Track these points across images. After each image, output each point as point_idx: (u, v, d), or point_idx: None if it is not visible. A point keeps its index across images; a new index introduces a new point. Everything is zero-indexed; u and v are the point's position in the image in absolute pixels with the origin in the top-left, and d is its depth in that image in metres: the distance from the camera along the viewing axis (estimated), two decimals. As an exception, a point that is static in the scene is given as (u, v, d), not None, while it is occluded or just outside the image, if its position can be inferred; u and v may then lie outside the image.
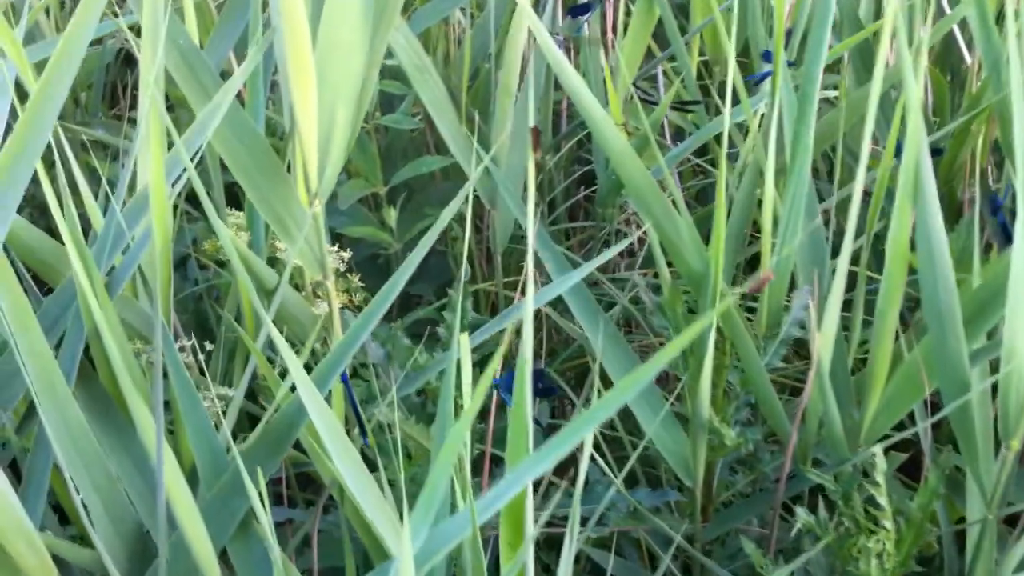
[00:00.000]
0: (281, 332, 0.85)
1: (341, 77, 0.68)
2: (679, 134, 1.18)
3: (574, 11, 1.01)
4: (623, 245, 0.76)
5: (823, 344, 0.73)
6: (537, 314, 1.08)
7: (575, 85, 0.70)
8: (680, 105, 1.02)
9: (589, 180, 1.28)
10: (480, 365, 0.82)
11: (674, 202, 0.75)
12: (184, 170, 0.63)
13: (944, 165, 1.10)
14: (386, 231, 1.05)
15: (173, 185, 0.65)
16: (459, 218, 1.11)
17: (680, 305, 0.76)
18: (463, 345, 0.57)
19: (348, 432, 0.72)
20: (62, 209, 0.56)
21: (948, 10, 1.07)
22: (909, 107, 0.64)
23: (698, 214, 1.14)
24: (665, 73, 1.23)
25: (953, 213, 1.18)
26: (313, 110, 0.66)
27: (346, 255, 0.81)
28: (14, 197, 0.57)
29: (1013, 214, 0.72)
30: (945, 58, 1.21)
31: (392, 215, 1.04)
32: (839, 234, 1.02)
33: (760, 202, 0.91)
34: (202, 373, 0.84)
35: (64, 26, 1.16)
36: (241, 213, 0.82)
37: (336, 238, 1.07)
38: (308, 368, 0.61)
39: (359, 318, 0.64)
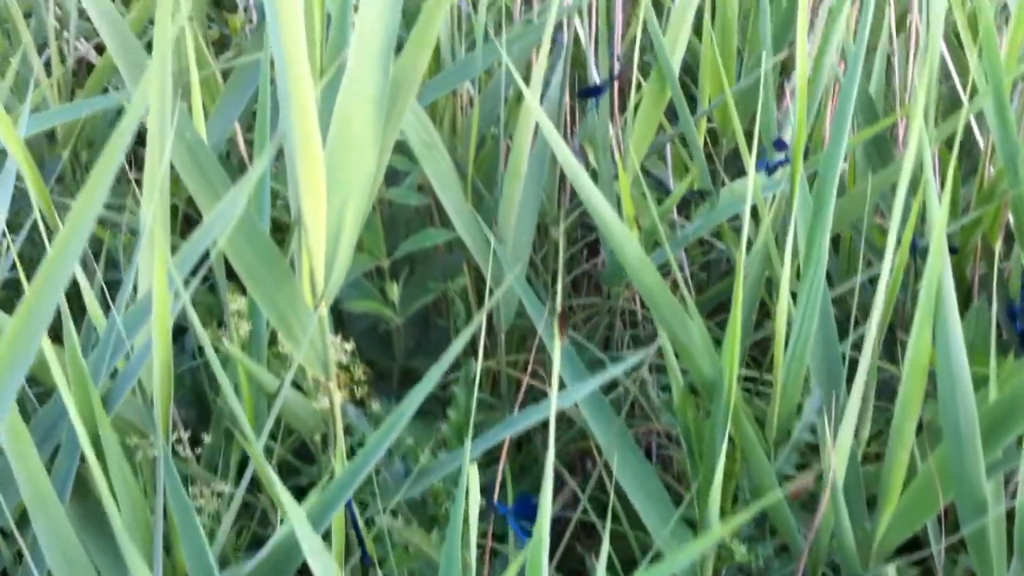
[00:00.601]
0: (281, 423, 0.84)
1: (353, 175, 0.67)
2: (685, 205, 1.17)
3: (584, 93, 0.99)
4: (640, 356, 0.74)
5: (838, 459, 0.72)
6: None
7: (588, 191, 0.69)
8: (691, 194, 1.00)
9: (594, 246, 1.27)
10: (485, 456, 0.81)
11: (686, 305, 0.74)
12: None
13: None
14: (388, 306, 1.03)
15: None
16: (463, 291, 1.09)
17: (691, 411, 0.75)
18: (471, 479, 0.55)
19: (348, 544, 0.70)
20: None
21: (961, 91, 1.06)
22: (933, 252, 0.63)
23: (706, 295, 1.13)
24: (672, 142, 1.22)
25: (963, 292, 1.16)
26: (322, 212, 0.64)
27: (349, 346, 0.79)
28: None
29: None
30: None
31: (395, 290, 1.02)
32: (847, 316, 1.01)
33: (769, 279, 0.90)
34: (199, 460, 0.83)
35: (70, 93, 1.16)
36: (243, 298, 0.80)
37: (337, 310, 1.05)
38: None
39: (360, 455, 0.62)
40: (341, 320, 1.11)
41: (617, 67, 1.09)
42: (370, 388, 0.84)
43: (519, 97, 1.13)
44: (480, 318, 0.66)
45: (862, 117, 1.05)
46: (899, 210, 0.68)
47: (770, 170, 0.88)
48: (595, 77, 1.04)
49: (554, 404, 0.48)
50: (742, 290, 0.72)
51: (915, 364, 0.69)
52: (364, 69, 0.66)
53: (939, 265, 0.64)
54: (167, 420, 0.58)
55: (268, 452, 0.86)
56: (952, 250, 1.02)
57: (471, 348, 1.12)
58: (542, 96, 1.04)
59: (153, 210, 0.57)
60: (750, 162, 0.74)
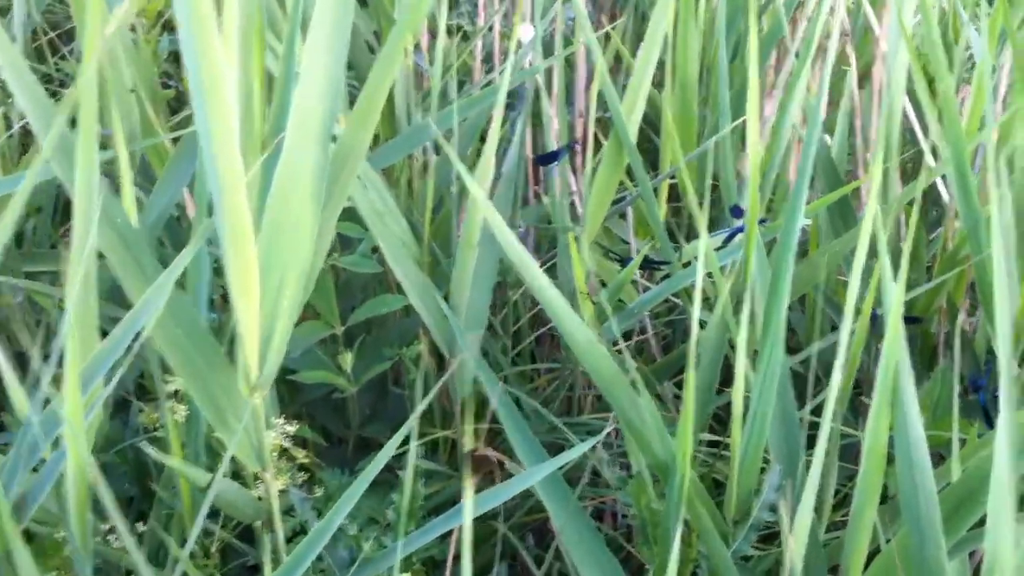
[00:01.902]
0: (220, 511, 0.80)
1: (290, 257, 0.64)
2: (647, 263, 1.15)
3: (541, 160, 0.98)
4: (593, 441, 0.72)
5: (796, 544, 0.69)
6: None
7: (541, 286, 0.67)
8: (648, 264, 0.98)
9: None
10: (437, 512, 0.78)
11: (637, 387, 0.72)
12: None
13: (920, 307, 1.08)
14: (342, 375, 1.01)
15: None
16: (419, 357, 1.06)
17: (645, 498, 0.72)
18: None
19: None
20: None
21: (926, 150, 1.04)
22: (890, 340, 0.61)
23: (671, 356, 1.11)
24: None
25: (928, 352, 1.15)
26: (254, 300, 0.62)
27: (291, 428, 0.76)
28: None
29: (996, 396, 0.68)
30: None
31: (348, 360, 0.99)
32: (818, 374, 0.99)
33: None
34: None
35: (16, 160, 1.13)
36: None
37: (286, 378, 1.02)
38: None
39: (302, 544, 0.59)
40: (295, 386, 1.08)
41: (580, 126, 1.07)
42: (320, 459, 0.81)
43: (479, 153, 1.11)
44: (429, 396, 0.63)
45: (824, 179, 1.03)
46: (857, 279, 0.66)
47: (728, 237, 0.86)
48: (554, 140, 1.02)
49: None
50: (701, 363, 0.70)
51: (873, 452, 0.67)
52: (302, 145, 0.64)
53: (895, 357, 0.62)
54: (84, 529, 0.55)
55: (210, 534, 0.83)
56: (914, 320, 1.00)
57: (429, 417, 1.10)
58: (503, 158, 1.02)
59: (73, 305, 0.54)
60: (703, 233, 0.72)
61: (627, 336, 1.26)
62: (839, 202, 1.04)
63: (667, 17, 0.89)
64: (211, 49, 0.55)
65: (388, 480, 1.09)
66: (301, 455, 0.77)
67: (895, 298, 0.62)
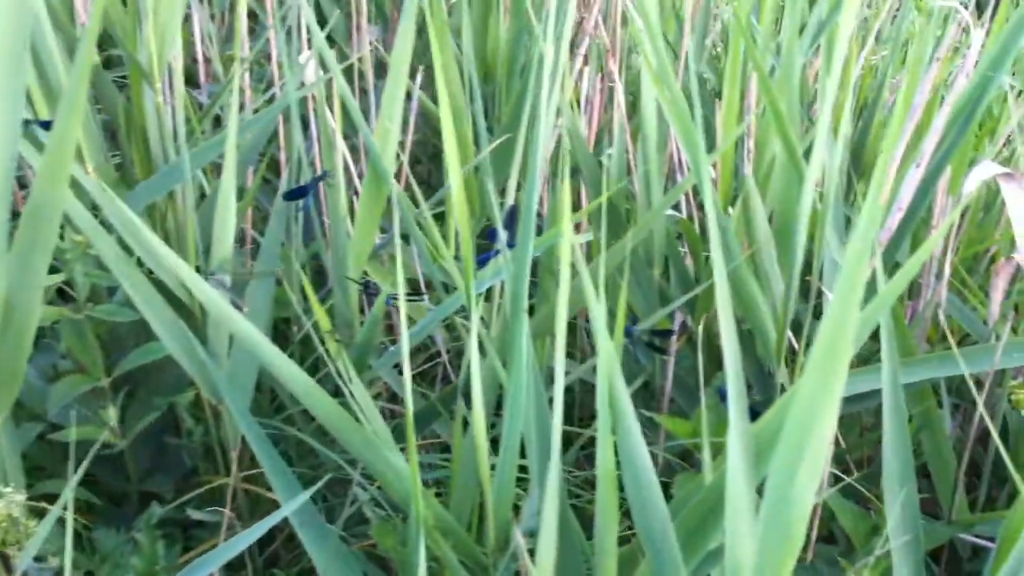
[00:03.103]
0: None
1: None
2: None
3: (289, 195, 0.95)
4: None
5: (539, 568, 0.68)
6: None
7: (253, 341, 0.64)
8: (409, 296, 0.97)
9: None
10: None
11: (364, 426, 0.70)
12: None
13: (697, 316, 1.09)
14: (108, 429, 0.96)
15: None
16: (193, 404, 1.03)
17: (391, 539, 0.70)
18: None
19: None
20: None
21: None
22: (603, 363, 0.60)
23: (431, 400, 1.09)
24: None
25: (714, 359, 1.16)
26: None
27: (20, 498, 0.72)
28: None
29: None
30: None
31: (111, 413, 0.94)
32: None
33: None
34: None
35: None
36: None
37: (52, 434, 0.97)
38: None
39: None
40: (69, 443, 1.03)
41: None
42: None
43: (242, 194, 1.08)
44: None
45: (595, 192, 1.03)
46: (597, 302, 0.66)
47: (482, 261, 0.85)
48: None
49: None
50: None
51: (605, 478, 0.66)
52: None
53: (607, 380, 0.61)
54: None
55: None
56: (668, 333, 1.01)
57: (212, 466, 1.06)
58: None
59: None
60: (468, 258, 0.71)
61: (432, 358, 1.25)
62: (612, 215, 1.04)
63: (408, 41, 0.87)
64: None
65: (173, 535, 1.05)
66: (32, 525, 0.73)
67: (599, 319, 0.61)
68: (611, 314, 1.07)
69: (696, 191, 1.13)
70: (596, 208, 1.03)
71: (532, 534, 0.77)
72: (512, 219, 0.95)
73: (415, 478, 0.64)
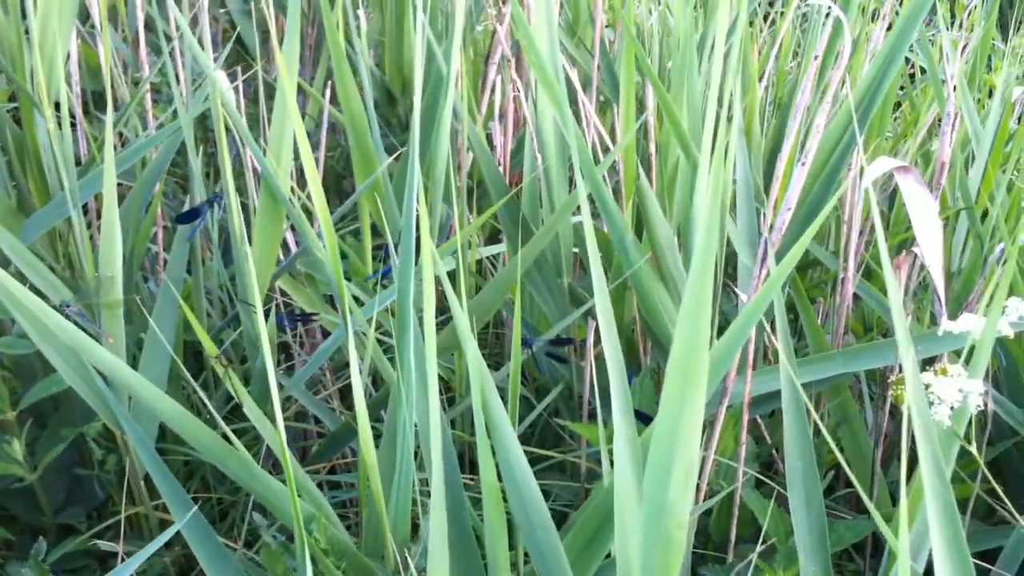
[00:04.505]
0: None
1: None
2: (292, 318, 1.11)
3: (180, 219, 0.94)
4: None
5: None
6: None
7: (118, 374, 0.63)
8: (294, 319, 0.95)
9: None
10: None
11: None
12: None
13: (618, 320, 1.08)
14: (15, 463, 0.95)
15: None
16: (106, 435, 1.01)
17: (280, 565, 0.69)
18: None
19: None
20: None
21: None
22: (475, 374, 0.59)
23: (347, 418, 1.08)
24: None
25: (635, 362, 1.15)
26: None
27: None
28: None
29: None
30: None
31: (16, 447, 0.93)
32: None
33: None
34: None
35: None
36: None
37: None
38: None
39: None
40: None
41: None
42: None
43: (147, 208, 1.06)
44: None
45: (495, 192, 1.02)
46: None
47: (381, 277, 0.84)
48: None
49: None
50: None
51: (489, 493, 0.65)
52: None
53: (480, 391, 0.61)
54: None
55: None
56: (567, 341, 1.00)
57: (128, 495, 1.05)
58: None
59: None
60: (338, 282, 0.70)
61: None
62: (524, 226, 1.03)
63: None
64: None
65: (90, 566, 1.04)
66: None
67: (464, 327, 0.60)
68: (525, 323, 1.07)
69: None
70: (508, 219, 1.02)
71: (432, 551, 0.76)
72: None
73: (294, 502, 0.63)
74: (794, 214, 0.90)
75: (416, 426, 0.72)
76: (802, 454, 0.80)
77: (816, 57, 0.76)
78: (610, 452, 0.85)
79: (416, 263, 0.76)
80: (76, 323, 0.67)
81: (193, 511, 0.68)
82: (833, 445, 0.53)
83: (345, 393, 1.19)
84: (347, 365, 1.25)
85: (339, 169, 1.47)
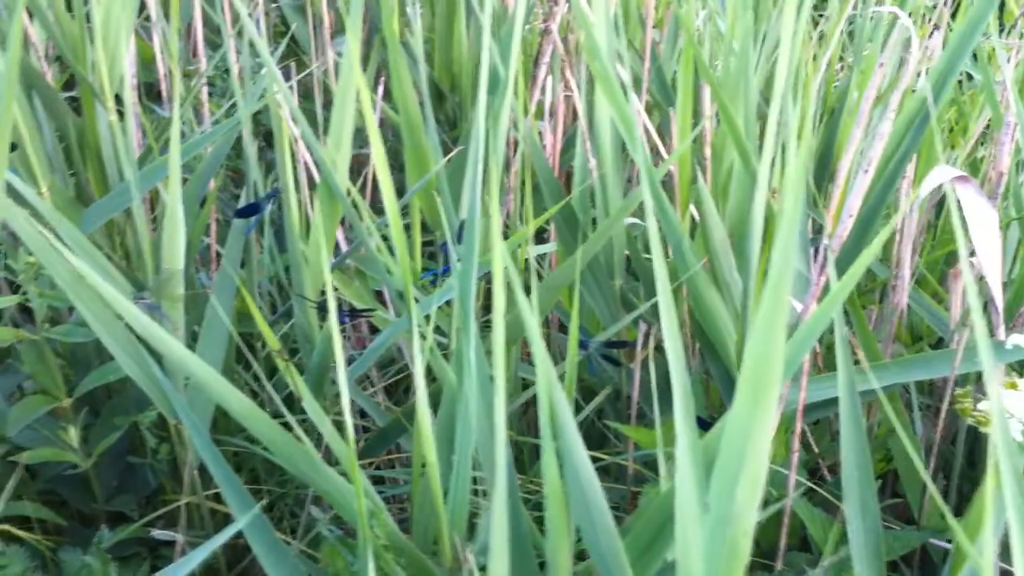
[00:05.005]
0: None
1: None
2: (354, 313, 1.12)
3: (240, 213, 0.95)
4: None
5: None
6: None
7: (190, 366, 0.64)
8: (355, 314, 0.96)
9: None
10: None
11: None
12: None
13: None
14: (70, 450, 0.96)
15: None
16: (159, 425, 1.02)
17: (340, 560, 0.70)
18: None
19: None
20: None
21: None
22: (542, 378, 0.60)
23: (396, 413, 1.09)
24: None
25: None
26: None
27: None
28: None
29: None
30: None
31: (72, 434, 0.94)
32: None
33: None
34: None
35: None
36: None
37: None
38: None
39: None
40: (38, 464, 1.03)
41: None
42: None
43: (204, 203, 1.07)
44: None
45: (551, 199, 1.02)
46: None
47: (433, 278, 0.85)
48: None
49: None
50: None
51: (552, 496, 0.65)
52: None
53: (548, 395, 0.61)
54: None
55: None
56: (623, 344, 1.00)
57: (179, 484, 1.06)
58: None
59: None
60: (406, 278, 0.70)
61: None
62: (573, 225, 1.04)
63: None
64: None
65: (140, 553, 1.05)
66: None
67: (534, 334, 0.60)
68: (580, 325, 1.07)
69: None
70: (562, 219, 1.03)
71: (486, 550, 0.76)
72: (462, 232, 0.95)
73: (359, 499, 0.64)
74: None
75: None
76: (859, 463, 0.80)
77: (881, 65, 0.75)
78: (667, 456, 0.85)
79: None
80: (150, 315, 0.68)
81: (256, 511, 0.68)
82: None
83: (390, 389, 1.19)
84: (393, 361, 1.26)
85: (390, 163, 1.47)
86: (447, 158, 0.97)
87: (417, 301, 0.98)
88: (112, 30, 0.89)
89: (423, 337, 0.70)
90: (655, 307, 1.01)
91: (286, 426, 0.74)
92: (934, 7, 1.69)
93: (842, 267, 0.89)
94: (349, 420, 0.61)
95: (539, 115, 1.29)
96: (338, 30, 1.50)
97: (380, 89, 1.23)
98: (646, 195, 0.64)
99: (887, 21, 1.58)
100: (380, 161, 0.73)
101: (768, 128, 0.76)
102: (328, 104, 1.29)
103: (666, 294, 0.63)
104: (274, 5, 1.62)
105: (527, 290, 1.14)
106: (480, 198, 0.73)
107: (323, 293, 0.96)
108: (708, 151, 0.97)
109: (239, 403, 0.66)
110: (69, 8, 0.94)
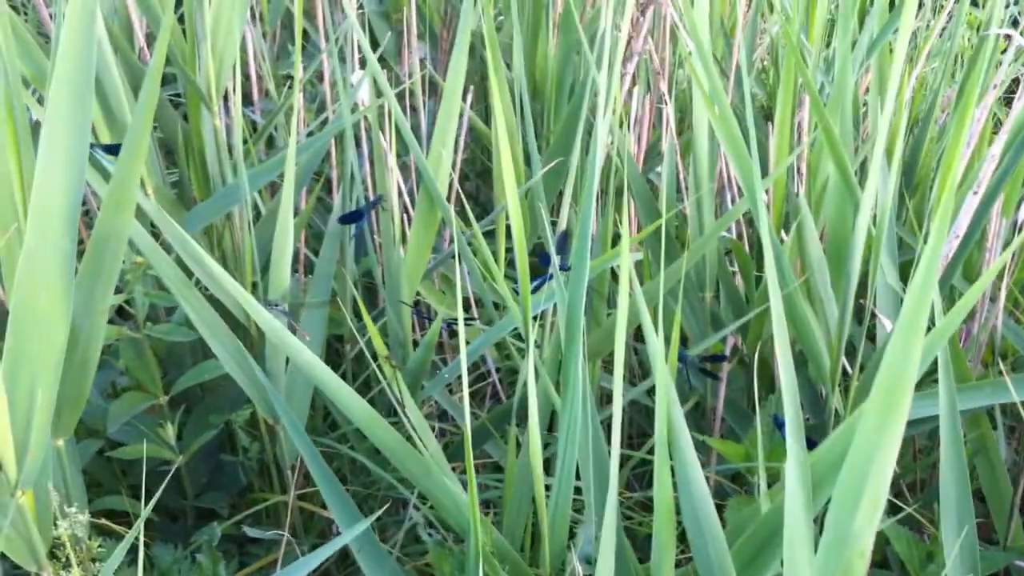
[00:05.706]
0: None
1: (41, 353, 0.62)
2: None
3: (344, 219, 0.96)
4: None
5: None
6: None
7: (313, 369, 0.65)
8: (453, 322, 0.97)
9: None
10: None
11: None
12: None
13: (750, 343, 1.08)
14: (166, 447, 0.98)
15: None
16: (249, 422, 1.04)
17: (448, 565, 0.71)
18: None
19: None
20: None
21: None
22: (661, 394, 0.60)
23: (505, 405, 1.10)
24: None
25: (767, 382, 1.15)
26: (3, 414, 0.59)
27: (83, 518, 0.73)
28: None
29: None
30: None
31: (170, 431, 0.96)
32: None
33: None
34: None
35: None
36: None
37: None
38: None
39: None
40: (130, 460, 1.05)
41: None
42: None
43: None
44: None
45: (646, 217, 1.03)
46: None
47: (537, 285, 0.86)
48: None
49: None
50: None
51: (662, 508, 0.66)
52: (45, 238, 0.61)
53: (665, 409, 0.61)
54: None
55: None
56: (720, 358, 1.00)
57: (267, 483, 1.08)
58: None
59: None
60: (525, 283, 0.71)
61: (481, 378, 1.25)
62: (665, 236, 1.04)
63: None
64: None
65: (230, 551, 1.06)
66: (96, 544, 0.74)
67: (657, 352, 0.61)
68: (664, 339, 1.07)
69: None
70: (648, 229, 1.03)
71: (588, 560, 0.77)
72: (564, 242, 0.96)
73: (474, 508, 0.65)
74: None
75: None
76: (957, 482, 0.80)
77: (994, 87, 0.75)
78: (769, 471, 0.86)
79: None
80: (285, 321, 0.69)
81: (366, 526, 0.69)
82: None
83: (474, 395, 1.20)
84: (471, 368, 1.27)
85: (465, 170, 1.49)
86: (546, 168, 0.98)
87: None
88: (221, 33, 0.91)
89: (538, 346, 0.71)
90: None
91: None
92: None
93: (940, 286, 0.89)
94: (468, 431, 0.62)
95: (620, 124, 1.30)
96: (420, 37, 1.51)
97: (469, 98, 1.24)
98: (762, 224, 0.65)
99: (967, 35, 1.57)
100: (506, 167, 0.74)
101: (874, 158, 0.76)
102: (412, 108, 1.30)
103: (779, 312, 0.64)
104: (359, 11, 1.64)
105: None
106: (589, 210, 0.74)
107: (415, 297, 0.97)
108: (804, 166, 0.97)
109: (360, 408, 0.67)
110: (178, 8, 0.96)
